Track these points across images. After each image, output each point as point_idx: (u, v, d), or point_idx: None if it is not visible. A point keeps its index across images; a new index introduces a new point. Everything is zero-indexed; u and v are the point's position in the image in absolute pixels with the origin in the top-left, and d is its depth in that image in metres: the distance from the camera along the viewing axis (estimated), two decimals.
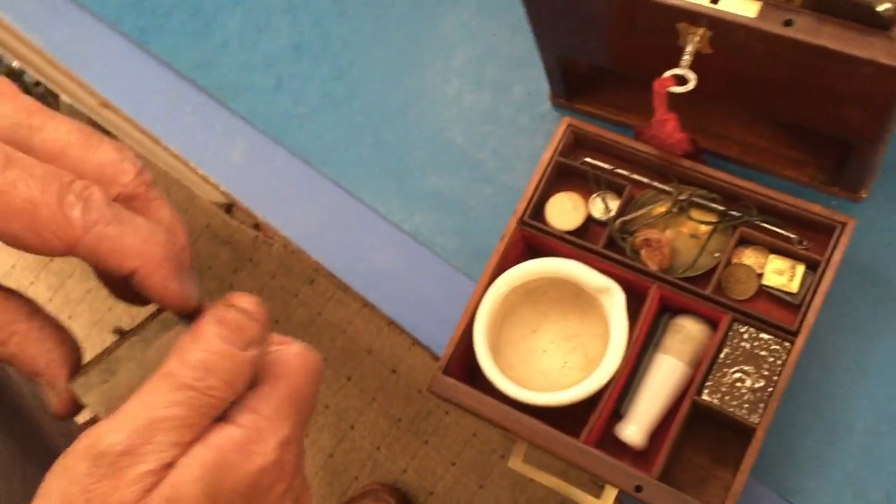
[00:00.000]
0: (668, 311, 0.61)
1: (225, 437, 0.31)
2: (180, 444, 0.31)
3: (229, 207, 1.77)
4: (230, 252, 1.93)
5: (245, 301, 0.35)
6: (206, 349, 0.32)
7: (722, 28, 0.50)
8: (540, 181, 0.62)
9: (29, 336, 0.34)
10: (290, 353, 0.35)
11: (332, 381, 1.77)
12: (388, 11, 0.79)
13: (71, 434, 0.36)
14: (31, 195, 0.30)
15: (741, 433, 0.56)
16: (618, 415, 0.60)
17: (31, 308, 0.34)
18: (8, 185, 0.30)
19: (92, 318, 1.98)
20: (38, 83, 1.73)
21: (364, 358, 1.78)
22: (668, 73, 0.52)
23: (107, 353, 0.35)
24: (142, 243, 0.33)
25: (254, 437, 0.32)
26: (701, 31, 0.50)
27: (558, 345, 0.63)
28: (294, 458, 0.33)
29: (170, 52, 0.82)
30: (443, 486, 1.66)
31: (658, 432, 0.59)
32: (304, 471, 0.35)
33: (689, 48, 0.51)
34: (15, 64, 1.68)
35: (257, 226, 1.83)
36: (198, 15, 0.83)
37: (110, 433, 0.30)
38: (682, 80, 0.52)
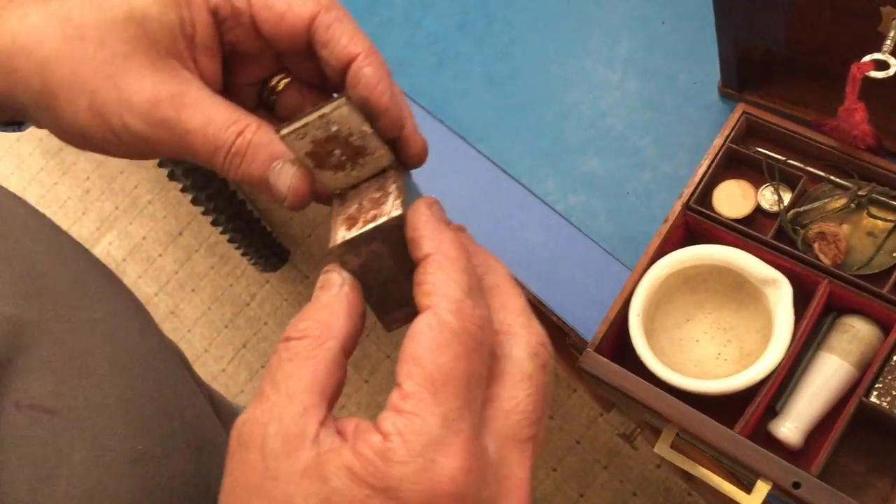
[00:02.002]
0: (834, 310, 0.59)
1: None
2: None
3: None
4: None
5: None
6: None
7: None
8: (709, 167, 0.61)
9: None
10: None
11: None
12: None
13: None
14: None
15: None
16: (772, 411, 0.58)
17: None
18: None
19: (213, 293, 2.05)
20: None
21: None
22: (868, 57, 0.50)
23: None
24: (360, 35, 0.36)
25: None
26: None
27: (712, 336, 0.62)
28: None
29: None
30: (542, 491, 1.64)
31: (814, 433, 0.57)
32: None
33: (893, 33, 0.49)
34: None
35: None
36: None
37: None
38: (882, 66, 0.50)
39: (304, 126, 0.35)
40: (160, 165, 1.72)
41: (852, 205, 0.58)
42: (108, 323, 0.43)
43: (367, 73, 0.36)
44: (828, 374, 0.56)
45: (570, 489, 1.63)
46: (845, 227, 0.58)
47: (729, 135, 0.62)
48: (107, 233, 2.20)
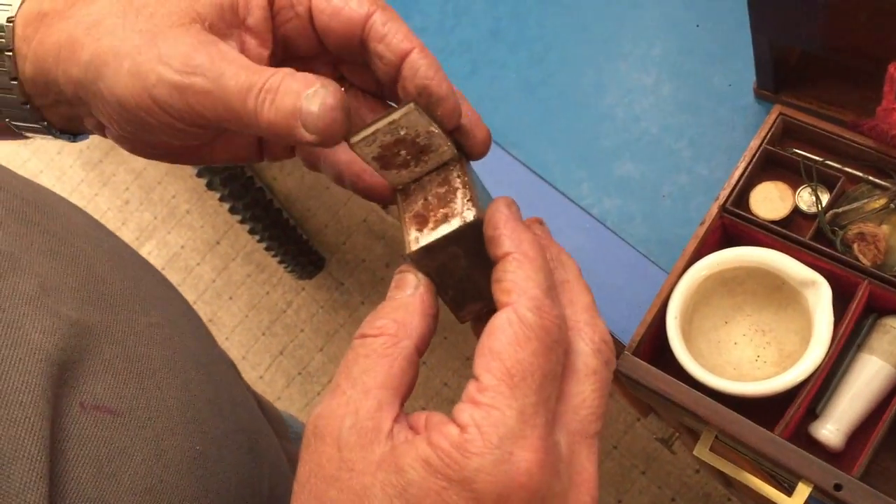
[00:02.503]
0: (874, 311, 0.59)
1: None
2: None
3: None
4: (384, 246, 1.99)
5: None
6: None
7: None
8: (746, 169, 0.61)
9: None
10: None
11: None
12: (588, 0, 0.79)
13: None
14: None
15: None
16: (812, 414, 0.58)
17: None
18: None
19: (250, 300, 2.08)
20: None
21: None
22: None
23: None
24: (412, 33, 0.38)
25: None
26: None
27: (751, 338, 0.62)
28: None
29: None
30: None
31: (855, 435, 0.56)
32: None
33: None
34: None
35: None
36: (400, 0, 0.86)
37: None
38: None
39: (373, 133, 0.36)
40: (199, 175, 1.75)
41: (892, 205, 0.57)
42: (165, 327, 0.44)
43: (423, 64, 0.37)
44: (869, 376, 0.56)
45: (608, 495, 1.62)
46: (885, 228, 0.57)
47: (765, 136, 0.61)
48: (146, 242, 2.24)
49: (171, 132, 0.38)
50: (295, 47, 0.41)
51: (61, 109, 0.42)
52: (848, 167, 0.60)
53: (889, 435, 0.56)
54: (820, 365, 0.55)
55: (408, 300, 0.35)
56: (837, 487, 0.52)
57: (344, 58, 0.41)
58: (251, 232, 1.60)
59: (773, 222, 0.60)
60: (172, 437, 0.40)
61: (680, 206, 0.69)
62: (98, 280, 0.40)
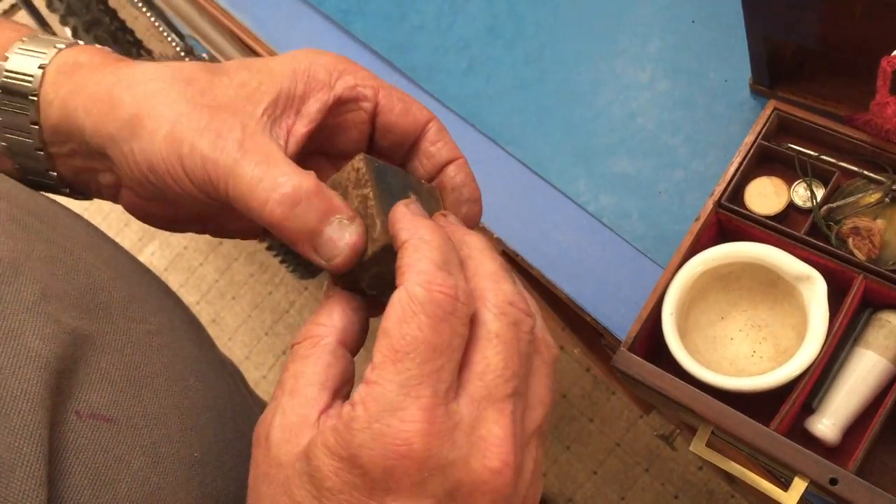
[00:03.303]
0: (870, 306, 0.58)
1: None
2: None
3: None
4: None
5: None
6: None
7: None
8: (741, 164, 0.61)
9: None
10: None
11: None
12: None
13: None
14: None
15: None
16: (808, 408, 0.58)
17: None
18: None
19: (253, 300, 2.08)
20: None
21: None
22: None
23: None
24: (420, 106, 0.42)
25: None
26: None
27: (747, 333, 0.62)
28: None
29: (369, 34, 0.86)
30: (582, 495, 1.64)
31: (851, 429, 0.56)
32: None
33: None
34: (205, 55, 1.80)
35: None
36: None
37: None
38: None
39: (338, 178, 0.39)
40: None
41: (887, 199, 0.57)
42: (164, 335, 0.45)
43: (467, 171, 0.43)
44: (864, 371, 0.56)
45: (611, 492, 1.62)
46: (880, 222, 0.57)
47: (760, 132, 0.61)
48: (149, 243, 2.24)
49: (191, 202, 0.39)
50: (336, 134, 0.43)
51: (76, 161, 0.43)
52: (843, 162, 0.60)
53: (885, 429, 0.55)
54: (815, 360, 0.55)
55: (324, 302, 0.37)
56: (833, 482, 0.52)
57: (384, 152, 0.44)
58: None
59: (768, 217, 0.60)
60: (170, 445, 0.40)
61: (676, 202, 0.69)
62: (98, 288, 0.41)
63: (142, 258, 2.19)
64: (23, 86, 0.42)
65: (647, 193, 0.70)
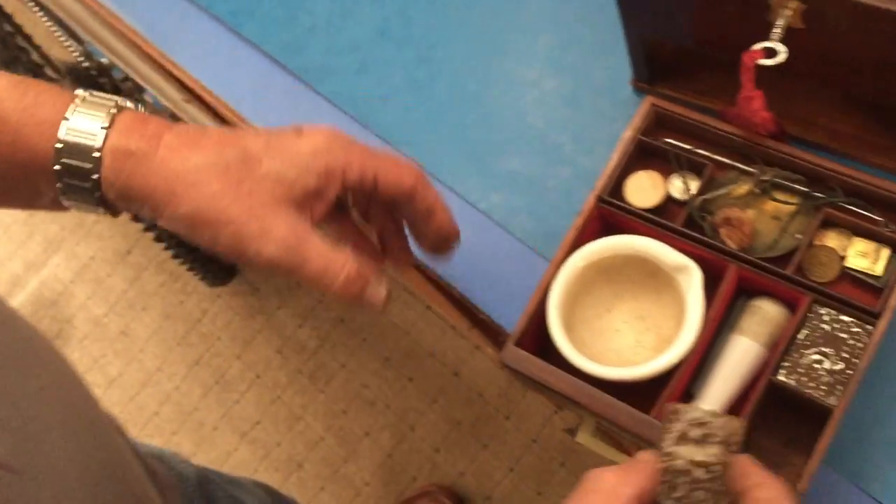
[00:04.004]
0: (745, 294, 0.61)
1: None
2: None
3: None
4: None
5: None
6: None
7: (815, 0, 0.49)
8: (621, 159, 0.62)
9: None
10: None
11: (394, 382, 1.78)
12: None
13: None
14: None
15: (817, 416, 0.55)
16: (689, 396, 0.60)
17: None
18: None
19: (164, 310, 2.03)
20: (126, 78, 1.80)
21: (426, 360, 1.79)
22: (757, 46, 0.52)
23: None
24: (408, 166, 0.52)
25: None
26: (794, 3, 0.50)
27: (631, 324, 0.63)
28: None
29: (260, 36, 0.85)
30: (500, 492, 1.65)
31: (728, 413, 0.58)
32: None
33: (780, 21, 0.51)
34: (105, 60, 1.75)
35: None
36: (287, 0, 0.86)
37: None
38: (771, 54, 0.52)
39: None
40: None
41: (757, 190, 0.59)
42: (56, 390, 0.45)
43: (447, 214, 0.55)
44: (739, 356, 0.58)
45: (528, 488, 1.64)
46: (750, 213, 0.59)
47: (639, 127, 0.63)
48: (53, 255, 2.17)
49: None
50: (344, 197, 0.55)
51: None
52: (716, 155, 0.62)
53: (760, 412, 0.57)
54: (691, 348, 0.56)
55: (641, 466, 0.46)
56: None
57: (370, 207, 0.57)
58: (157, 240, 1.57)
59: (647, 210, 0.62)
60: (69, 496, 0.41)
61: (564, 199, 0.70)
62: None
63: (46, 271, 2.12)
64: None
65: (536, 190, 0.71)
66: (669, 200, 0.63)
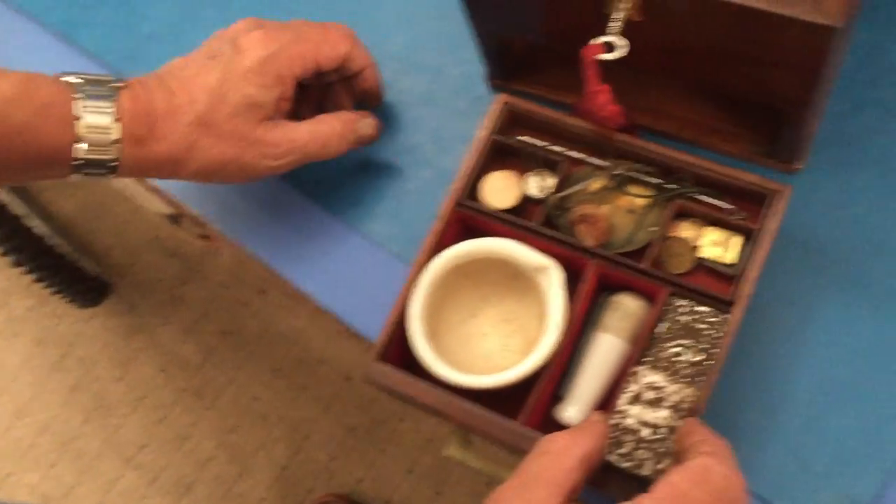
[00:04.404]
0: (608, 289, 0.60)
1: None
2: None
3: (176, 218, 1.74)
4: (179, 264, 1.89)
5: None
6: None
7: None
8: (476, 160, 0.61)
9: None
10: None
11: (286, 392, 1.74)
12: None
13: None
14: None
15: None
16: (558, 398, 0.59)
17: None
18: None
19: (36, 335, 1.92)
20: None
21: (317, 367, 1.75)
22: (596, 40, 0.51)
23: None
24: (338, 34, 0.64)
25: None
26: None
27: (498, 328, 0.62)
28: None
29: (97, 44, 0.80)
30: (399, 495, 1.63)
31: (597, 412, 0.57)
32: None
33: (618, 15, 0.50)
34: None
35: (206, 236, 1.79)
36: (124, 6, 0.81)
37: None
38: (611, 48, 0.51)
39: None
40: None
41: (610, 184, 0.59)
42: None
43: (375, 70, 0.67)
44: (604, 354, 0.57)
45: (427, 488, 1.63)
46: (605, 208, 0.59)
47: (493, 126, 0.62)
48: None
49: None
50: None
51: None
52: (571, 151, 0.61)
53: None
54: (554, 349, 0.55)
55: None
56: None
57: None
58: (16, 264, 1.47)
59: (506, 210, 0.60)
60: None
61: (426, 201, 0.68)
62: None
63: None
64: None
65: (396, 194, 0.69)
66: (529, 200, 0.62)
